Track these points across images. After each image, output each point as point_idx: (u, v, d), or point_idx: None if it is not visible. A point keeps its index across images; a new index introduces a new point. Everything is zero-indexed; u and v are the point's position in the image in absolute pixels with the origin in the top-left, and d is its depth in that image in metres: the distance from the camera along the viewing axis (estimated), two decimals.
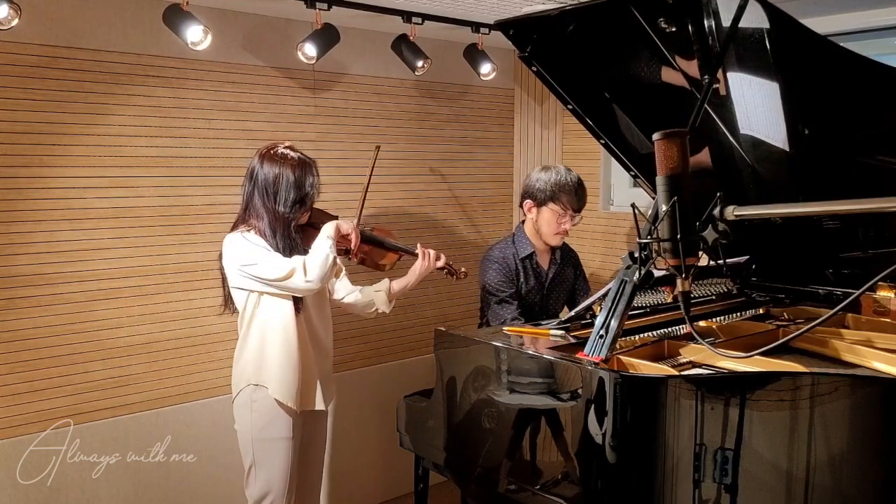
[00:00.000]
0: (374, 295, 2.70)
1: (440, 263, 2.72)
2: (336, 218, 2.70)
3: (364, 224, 2.73)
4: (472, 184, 3.95)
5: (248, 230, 2.44)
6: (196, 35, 2.69)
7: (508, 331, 2.36)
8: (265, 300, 2.46)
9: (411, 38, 3.26)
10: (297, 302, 2.48)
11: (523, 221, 2.96)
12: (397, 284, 2.72)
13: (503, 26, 2.42)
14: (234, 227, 2.50)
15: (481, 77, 3.56)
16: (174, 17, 2.69)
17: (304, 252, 2.46)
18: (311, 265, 2.37)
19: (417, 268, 2.69)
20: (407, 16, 3.17)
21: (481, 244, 3.90)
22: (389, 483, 3.64)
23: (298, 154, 2.49)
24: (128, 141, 2.83)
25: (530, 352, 2.08)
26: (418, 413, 2.49)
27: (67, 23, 2.67)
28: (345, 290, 2.74)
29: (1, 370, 2.63)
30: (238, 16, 3.04)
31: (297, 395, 2.50)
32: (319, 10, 2.92)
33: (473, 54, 3.51)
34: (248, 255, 2.39)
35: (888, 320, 2.42)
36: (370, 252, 2.66)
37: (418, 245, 2.71)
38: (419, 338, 3.73)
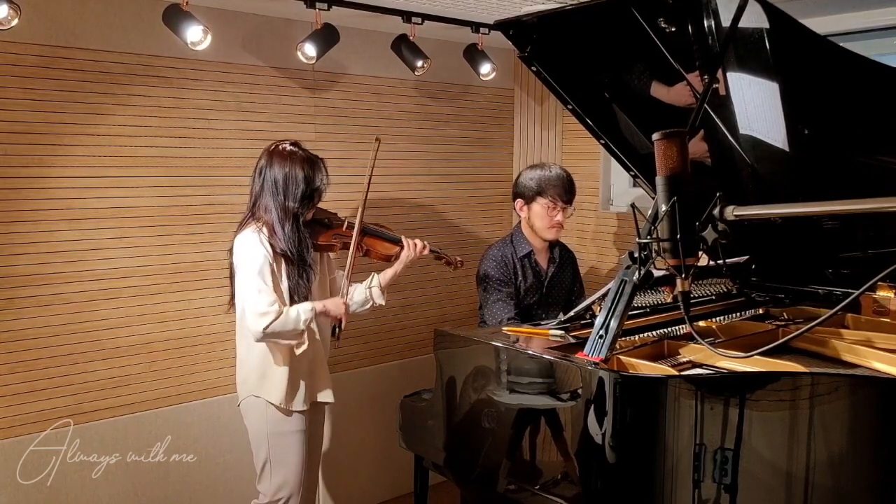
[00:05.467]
0: (367, 291, 2.74)
1: (426, 251, 2.77)
2: (335, 215, 2.76)
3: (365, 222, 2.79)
4: (471, 184, 3.95)
5: (261, 227, 2.48)
6: (196, 35, 2.69)
7: (508, 331, 2.37)
8: None
9: (411, 38, 3.25)
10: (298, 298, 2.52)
11: (521, 222, 2.98)
12: (386, 275, 2.75)
13: (503, 26, 2.42)
14: (243, 225, 2.52)
15: (481, 77, 3.55)
16: (174, 17, 2.69)
17: (310, 246, 2.54)
18: (280, 325, 2.40)
19: (403, 256, 2.74)
20: (407, 16, 3.16)
21: (481, 244, 3.89)
22: (389, 483, 3.64)
23: (305, 152, 2.56)
24: (127, 141, 2.83)
25: (530, 352, 2.08)
26: (418, 413, 2.48)
27: (67, 23, 2.67)
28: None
29: (1, 370, 2.63)
30: (238, 16, 3.04)
31: (305, 395, 2.56)
32: (319, 10, 2.91)
33: (473, 54, 3.50)
34: (249, 279, 2.43)
35: (888, 320, 2.42)
36: (374, 244, 2.75)
37: (402, 237, 2.78)
38: (419, 338, 3.72)
